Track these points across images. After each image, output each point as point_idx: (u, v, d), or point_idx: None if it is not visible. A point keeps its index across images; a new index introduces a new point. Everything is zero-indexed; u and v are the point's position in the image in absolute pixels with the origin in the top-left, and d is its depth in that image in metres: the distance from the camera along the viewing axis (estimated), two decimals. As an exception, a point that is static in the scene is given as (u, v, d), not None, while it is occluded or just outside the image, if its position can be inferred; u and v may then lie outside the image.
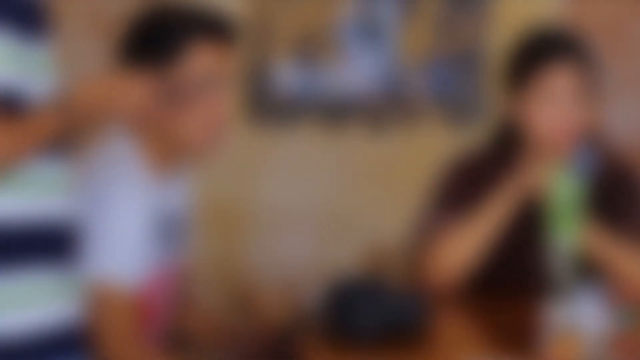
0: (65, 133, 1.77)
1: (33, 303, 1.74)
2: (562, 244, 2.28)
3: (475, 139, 2.58)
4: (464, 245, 2.37)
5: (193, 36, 2.04)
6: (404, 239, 2.51)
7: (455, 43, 3.19)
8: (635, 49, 3.26)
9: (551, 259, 2.29)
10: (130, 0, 2.45)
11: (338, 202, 3.18)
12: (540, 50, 2.37)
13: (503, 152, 2.43)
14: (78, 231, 1.86)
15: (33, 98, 1.73)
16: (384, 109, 3.18)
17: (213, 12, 2.10)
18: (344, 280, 2.13)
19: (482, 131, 2.65)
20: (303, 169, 3.16)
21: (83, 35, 2.94)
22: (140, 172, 2.04)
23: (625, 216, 2.41)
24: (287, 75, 3.13)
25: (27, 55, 1.73)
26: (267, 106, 3.13)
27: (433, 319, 2.10)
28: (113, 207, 1.99)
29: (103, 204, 1.99)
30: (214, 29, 2.07)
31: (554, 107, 2.35)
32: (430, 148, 3.04)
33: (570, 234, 2.28)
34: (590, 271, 2.30)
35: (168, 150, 2.09)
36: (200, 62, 2.05)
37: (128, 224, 1.99)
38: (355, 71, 3.16)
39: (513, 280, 2.36)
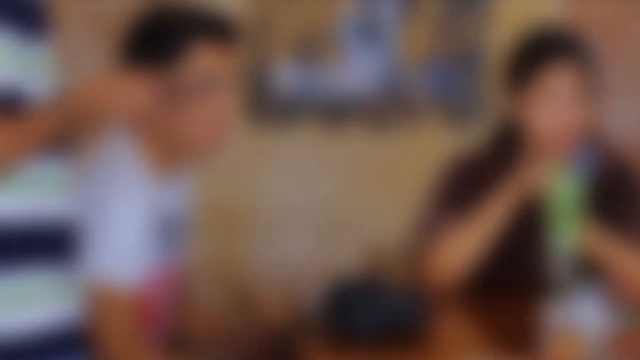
0: (65, 132, 1.77)
1: (33, 303, 1.74)
2: (562, 244, 2.28)
3: (475, 139, 2.58)
4: (464, 245, 2.37)
5: (194, 36, 2.04)
6: (404, 239, 2.51)
7: (455, 43, 3.19)
8: (635, 49, 3.26)
9: (551, 259, 2.29)
10: (131, 0, 2.45)
11: (338, 202, 3.18)
12: (540, 50, 2.37)
13: (503, 152, 2.43)
14: (78, 231, 1.86)
15: (33, 98, 1.73)
16: (384, 109, 3.18)
17: (214, 12, 2.10)
18: (344, 280, 2.13)
19: (482, 131, 2.65)
20: (303, 169, 3.17)
21: (83, 36, 2.94)
22: (140, 172, 2.04)
23: (625, 216, 2.41)
24: (287, 75, 3.13)
25: (27, 55, 1.73)
26: (267, 106, 3.13)
27: (433, 319, 2.10)
28: (113, 207, 1.99)
29: (103, 204, 1.99)
30: (215, 29, 2.07)
31: (554, 107, 2.35)
32: (430, 148, 3.04)
33: (570, 234, 2.28)
34: (590, 271, 2.30)
35: (169, 150, 2.09)
36: (202, 62, 2.05)
37: (128, 224, 1.99)
38: (355, 71, 3.16)
39: (513, 280, 2.36)
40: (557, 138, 2.36)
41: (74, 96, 1.75)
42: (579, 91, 2.36)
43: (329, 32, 3.13)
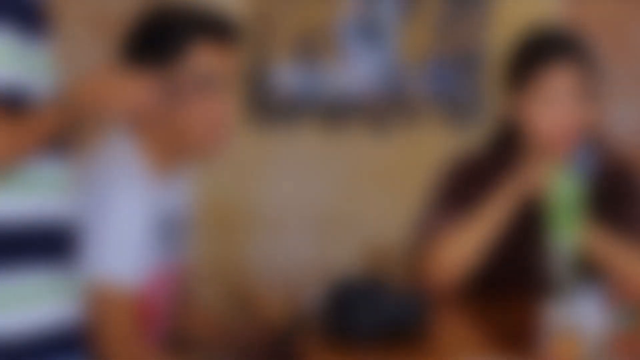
0: (66, 131, 1.77)
1: (33, 303, 1.74)
2: (562, 244, 2.28)
3: (475, 139, 2.58)
4: (464, 245, 2.37)
5: (194, 36, 2.04)
6: (404, 239, 2.51)
7: (455, 43, 3.19)
8: (635, 49, 3.26)
9: (551, 259, 2.29)
10: (132, 0, 2.45)
11: (338, 202, 3.18)
12: (540, 50, 2.37)
13: (503, 152, 2.43)
14: (78, 231, 1.86)
15: (33, 97, 1.73)
16: (384, 109, 3.18)
17: (214, 11, 2.10)
18: (344, 280, 2.13)
19: (482, 131, 2.65)
20: (303, 169, 3.17)
21: (83, 35, 2.94)
22: (141, 171, 2.04)
23: (625, 216, 2.41)
24: (287, 75, 3.13)
25: (28, 55, 1.73)
26: (267, 106, 3.13)
27: (433, 319, 2.10)
28: (114, 207, 1.99)
29: (104, 204, 1.99)
30: (215, 28, 2.07)
31: (554, 107, 2.35)
32: (430, 148, 3.04)
33: (571, 234, 2.28)
34: (590, 271, 2.30)
35: (169, 150, 2.09)
36: (202, 61, 2.05)
37: (129, 224, 1.99)
38: (355, 71, 3.16)
39: (513, 280, 2.36)
40: (557, 138, 2.36)
41: (74, 93, 1.75)
42: (579, 91, 2.36)
43: (329, 32, 3.13)
